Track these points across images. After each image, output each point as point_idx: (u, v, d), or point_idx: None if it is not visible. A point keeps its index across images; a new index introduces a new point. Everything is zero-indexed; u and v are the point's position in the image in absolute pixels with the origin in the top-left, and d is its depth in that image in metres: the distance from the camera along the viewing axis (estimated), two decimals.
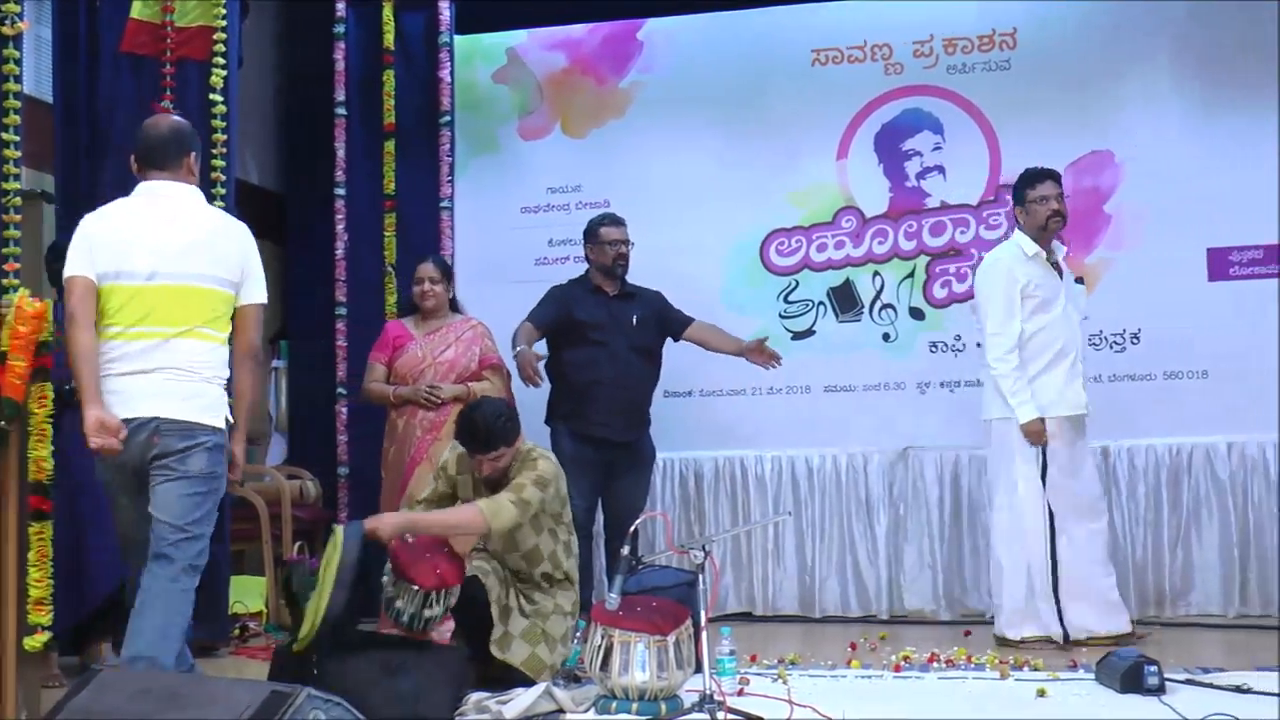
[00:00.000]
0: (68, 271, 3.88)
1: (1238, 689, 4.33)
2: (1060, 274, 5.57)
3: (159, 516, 3.88)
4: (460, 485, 4.80)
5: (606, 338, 5.97)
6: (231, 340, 4.08)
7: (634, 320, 6.03)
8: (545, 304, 6.08)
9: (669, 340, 6.23)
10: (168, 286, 3.89)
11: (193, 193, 4.08)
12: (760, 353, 6.08)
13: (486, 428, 4.57)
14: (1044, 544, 5.42)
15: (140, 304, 3.88)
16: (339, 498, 6.83)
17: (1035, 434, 5.48)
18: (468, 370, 5.88)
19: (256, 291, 4.09)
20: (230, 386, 4.07)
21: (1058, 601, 5.39)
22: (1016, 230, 5.64)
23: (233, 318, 4.08)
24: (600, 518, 6.20)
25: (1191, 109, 6.55)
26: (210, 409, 3.95)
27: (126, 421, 3.81)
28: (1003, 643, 5.46)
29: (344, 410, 6.87)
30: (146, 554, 3.90)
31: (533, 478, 4.64)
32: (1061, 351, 5.47)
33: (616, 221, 6.15)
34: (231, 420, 4.06)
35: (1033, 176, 5.61)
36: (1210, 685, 4.43)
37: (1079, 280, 5.66)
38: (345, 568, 4.18)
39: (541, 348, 6.00)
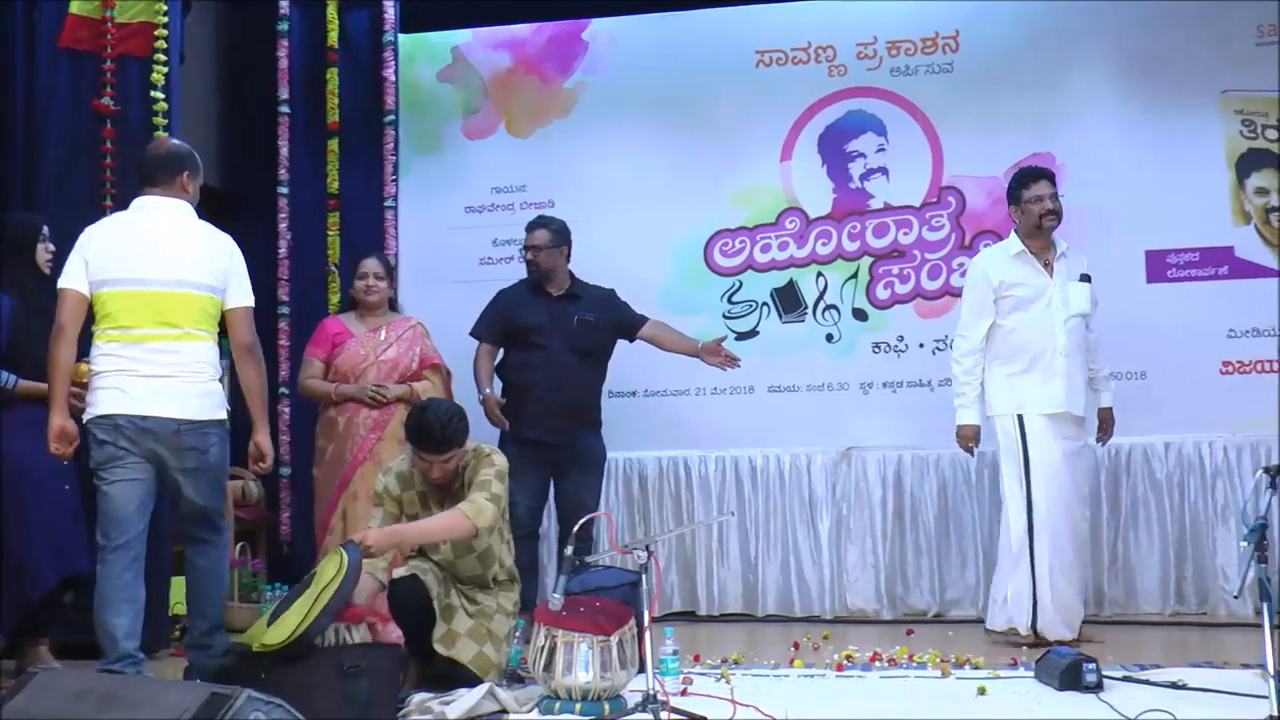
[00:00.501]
0: (61, 283, 4.32)
1: (1173, 685, 4.41)
2: (1051, 273, 5.53)
3: (198, 502, 4.46)
4: (406, 503, 4.72)
5: (546, 340, 5.95)
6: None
7: (574, 321, 5.99)
8: (489, 316, 6.10)
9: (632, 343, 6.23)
10: (159, 292, 4.31)
11: (181, 207, 4.47)
12: (715, 354, 6.06)
13: (441, 428, 4.52)
14: (1024, 541, 5.42)
15: (138, 307, 4.29)
16: (281, 498, 6.78)
17: (964, 439, 5.62)
18: (409, 370, 5.85)
19: (242, 295, 4.50)
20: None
21: (1034, 600, 5.37)
22: (1013, 230, 5.68)
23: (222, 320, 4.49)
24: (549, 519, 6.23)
25: (1131, 112, 6.62)
26: (218, 405, 4.47)
27: (150, 419, 4.26)
28: (988, 633, 5.55)
29: (287, 410, 6.81)
30: (131, 545, 4.34)
31: (494, 472, 4.64)
32: (1041, 351, 5.46)
33: (531, 227, 6.11)
34: (228, 411, 4.55)
35: (1027, 176, 5.64)
36: (1147, 682, 4.51)
37: (1085, 278, 5.56)
38: (340, 597, 4.15)
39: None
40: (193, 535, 4.60)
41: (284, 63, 6.94)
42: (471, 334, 6.07)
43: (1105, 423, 5.80)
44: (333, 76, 6.96)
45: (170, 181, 4.48)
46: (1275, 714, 3.49)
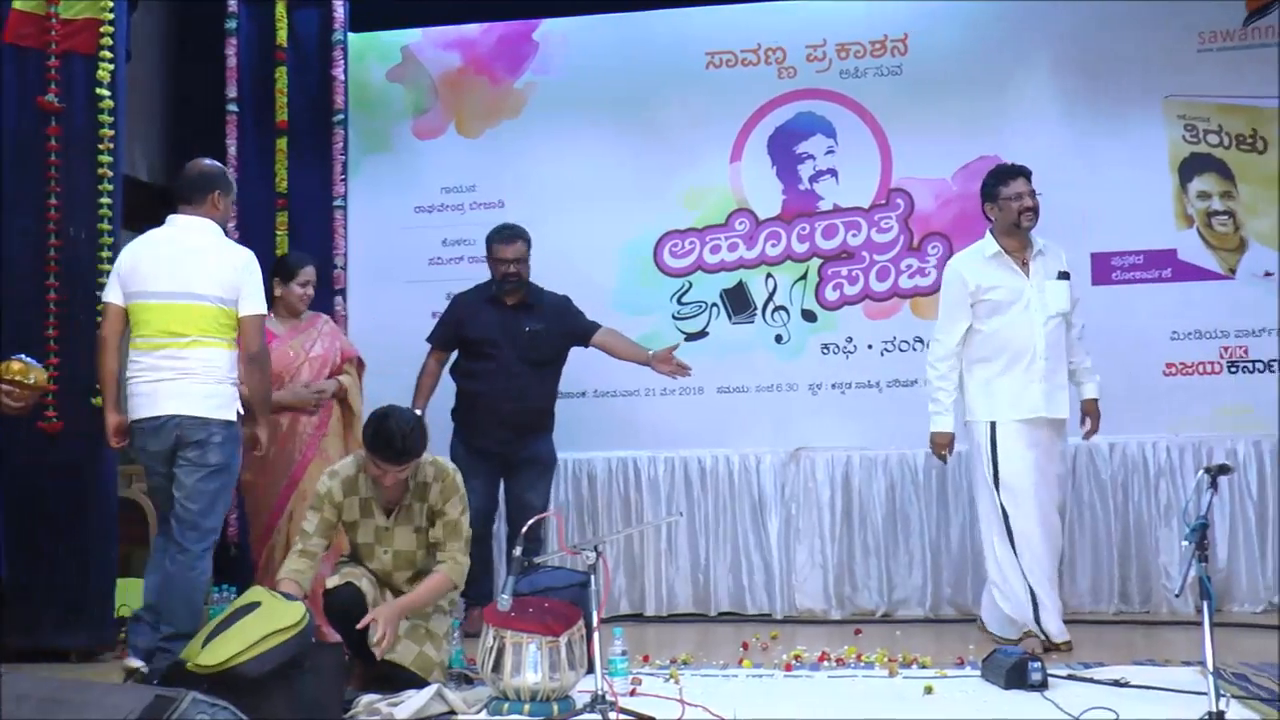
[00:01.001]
0: (103, 299, 4.83)
1: (1116, 683, 4.46)
2: (1028, 273, 5.43)
3: (179, 498, 4.65)
4: (346, 509, 4.68)
5: (496, 351, 5.97)
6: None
7: (526, 331, 6.00)
8: (442, 323, 6.17)
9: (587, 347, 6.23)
10: (171, 304, 4.64)
11: (206, 225, 4.79)
12: (667, 362, 6.06)
13: (402, 438, 4.46)
14: (995, 546, 5.40)
15: (160, 317, 4.65)
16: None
17: (938, 447, 5.57)
18: (335, 364, 5.82)
19: (250, 305, 4.73)
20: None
21: (1034, 602, 5.33)
22: (988, 230, 5.57)
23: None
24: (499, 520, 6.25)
25: (1077, 117, 6.69)
26: (223, 405, 4.68)
27: (154, 419, 4.62)
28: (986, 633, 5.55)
29: None
30: (169, 525, 4.75)
31: (462, 508, 4.71)
32: (1018, 353, 5.36)
33: (509, 239, 6.06)
34: (242, 413, 4.79)
35: (1004, 173, 5.52)
36: (1091, 680, 4.55)
37: (1063, 275, 5.45)
38: (285, 652, 4.05)
39: None
40: (172, 535, 4.72)
41: (232, 61, 6.88)
42: (431, 339, 6.12)
43: (1089, 415, 5.63)
44: (281, 75, 6.90)
45: (201, 200, 4.82)
46: (1213, 710, 3.52)
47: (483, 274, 6.27)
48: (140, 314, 4.68)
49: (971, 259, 5.54)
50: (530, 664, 4.18)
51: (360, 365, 5.99)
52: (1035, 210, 5.43)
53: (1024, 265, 5.44)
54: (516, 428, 5.98)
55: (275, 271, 5.84)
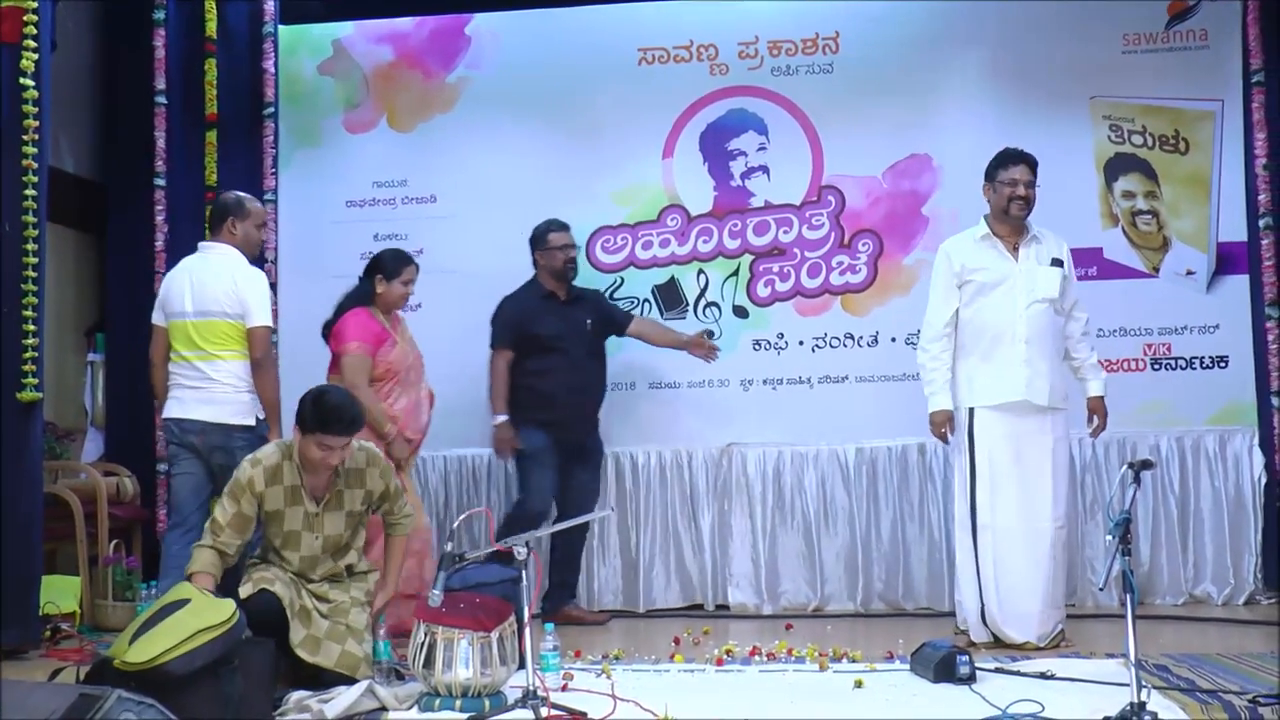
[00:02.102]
0: (151, 321, 5.52)
1: (1043, 676, 4.51)
2: (1017, 258, 5.38)
3: (216, 496, 5.10)
4: (268, 499, 4.61)
5: (565, 346, 6.13)
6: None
7: (587, 325, 6.19)
8: (505, 325, 6.18)
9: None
10: (192, 321, 5.30)
11: (223, 250, 5.41)
12: (700, 346, 6.30)
13: (349, 407, 4.54)
14: (958, 538, 5.43)
15: (185, 333, 5.32)
16: (158, 495, 6.66)
17: (935, 425, 5.46)
18: None
19: (253, 317, 5.28)
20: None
21: (981, 599, 5.33)
22: (983, 215, 5.53)
23: None
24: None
25: (1007, 115, 6.73)
26: (241, 413, 5.27)
27: (184, 420, 5.31)
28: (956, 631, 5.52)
29: None
30: (187, 521, 5.34)
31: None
32: (998, 336, 5.31)
33: (563, 227, 6.27)
34: (261, 417, 5.35)
35: (1006, 157, 5.48)
36: (1018, 673, 4.60)
37: (1057, 263, 5.38)
38: (215, 649, 3.99)
39: None
40: (191, 531, 5.20)
41: (160, 53, 6.83)
42: (494, 343, 6.14)
43: (1095, 413, 5.51)
44: (211, 67, 6.87)
45: (219, 229, 5.47)
46: (1134, 701, 3.57)
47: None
48: (174, 332, 5.37)
49: (961, 241, 5.51)
50: (462, 660, 4.16)
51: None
52: (1027, 201, 5.39)
53: (1014, 250, 5.41)
54: (589, 418, 6.25)
55: (375, 270, 5.84)
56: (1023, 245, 5.41)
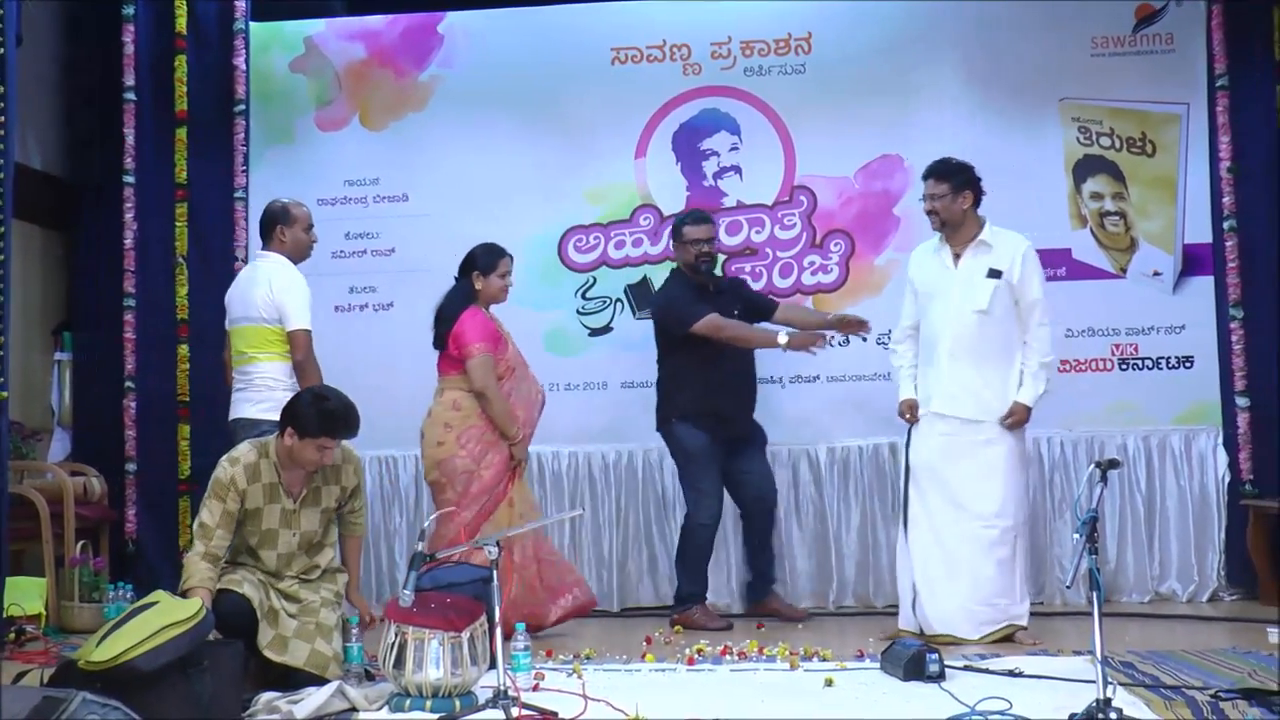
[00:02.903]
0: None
1: (1010, 673, 4.54)
2: (958, 267, 5.44)
3: None
4: (249, 497, 4.58)
5: None
6: None
7: (735, 314, 6.10)
8: (693, 300, 6.06)
9: None
10: (239, 327, 5.57)
11: (273, 257, 5.59)
12: (850, 325, 6.06)
13: (355, 411, 4.58)
14: (901, 533, 5.54)
15: (235, 338, 5.61)
16: (126, 495, 6.63)
17: (900, 413, 5.61)
18: None
19: (290, 321, 5.43)
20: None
21: (914, 593, 5.44)
22: None
23: None
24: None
25: (978, 116, 6.79)
26: (272, 409, 5.13)
27: (233, 420, 5.56)
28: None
29: (133, 405, 6.68)
30: None
31: (361, 482, 4.87)
32: (933, 346, 5.44)
33: (698, 220, 6.19)
34: None
35: (923, 175, 5.64)
36: (986, 671, 4.62)
37: (994, 274, 5.37)
38: (183, 644, 3.96)
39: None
40: None
41: (130, 49, 6.80)
42: (695, 317, 5.95)
43: (1009, 415, 5.39)
44: (181, 64, 6.84)
45: (269, 237, 5.64)
46: (1101, 698, 3.59)
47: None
48: (230, 337, 5.67)
49: (921, 249, 5.69)
50: (432, 660, 4.15)
51: None
52: (936, 213, 5.48)
53: (956, 259, 5.47)
54: (750, 409, 6.24)
55: (470, 267, 5.85)
56: (965, 255, 5.46)
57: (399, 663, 4.18)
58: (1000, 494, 5.36)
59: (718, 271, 6.40)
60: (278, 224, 5.62)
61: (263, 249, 5.67)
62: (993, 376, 5.39)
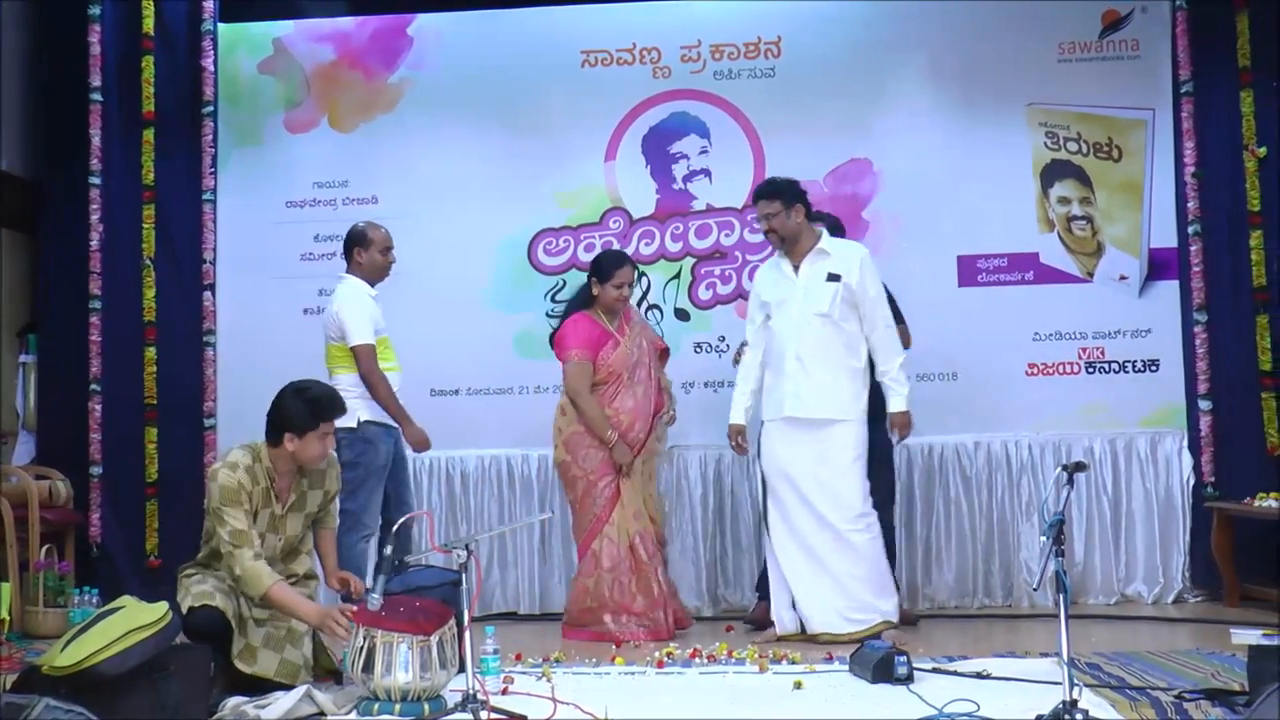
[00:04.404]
0: None
1: (979, 675, 4.56)
2: (799, 275, 5.54)
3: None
4: (254, 499, 4.53)
5: None
6: None
7: None
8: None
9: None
10: (326, 345, 5.73)
11: (348, 279, 5.77)
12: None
13: (335, 390, 4.66)
14: (766, 538, 5.63)
15: (326, 356, 5.76)
16: (91, 498, 6.57)
17: (730, 437, 5.77)
18: (652, 357, 5.99)
19: (350, 338, 5.61)
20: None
21: (788, 594, 5.54)
22: None
23: None
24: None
25: (945, 122, 6.83)
26: (346, 419, 5.06)
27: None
28: None
29: (98, 408, 6.63)
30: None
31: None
32: (779, 353, 5.54)
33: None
34: (365, 418, 5.60)
35: (754, 196, 5.82)
36: (954, 673, 4.64)
37: (833, 278, 5.47)
38: (148, 649, 3.93)
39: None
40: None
41: (96, 49, 6.75)
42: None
43: (894, 427, 5.60)
44: (148, 65, 6.81)
45: (349, 259, 5.80)
46: (1067, 700, 3.61)
47: None
48: None
49: (764, 268, 5.83)
50: (401, 663, 4.13)
51: (664, 355, 6.10)
52: (771, 231, 5.59)
53: (796, 269, 5.58)
54: None
55: (591, 271, 5.91)
56: (804, 264, 5.58)
57: (368, 666, 4.16)
58: (852, 491, 5.48)
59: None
60: (355, 246, 5.78)
61: (345, 271, 5.80)
62: (838, 377, 5.51)
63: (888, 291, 5.67)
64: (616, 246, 6.79)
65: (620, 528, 5.76)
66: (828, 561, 5.45)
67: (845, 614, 5.43)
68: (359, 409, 5.56)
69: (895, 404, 5.54)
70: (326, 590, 4.90)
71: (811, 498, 5.46)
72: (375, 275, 5.79)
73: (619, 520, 5.77)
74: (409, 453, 5.87)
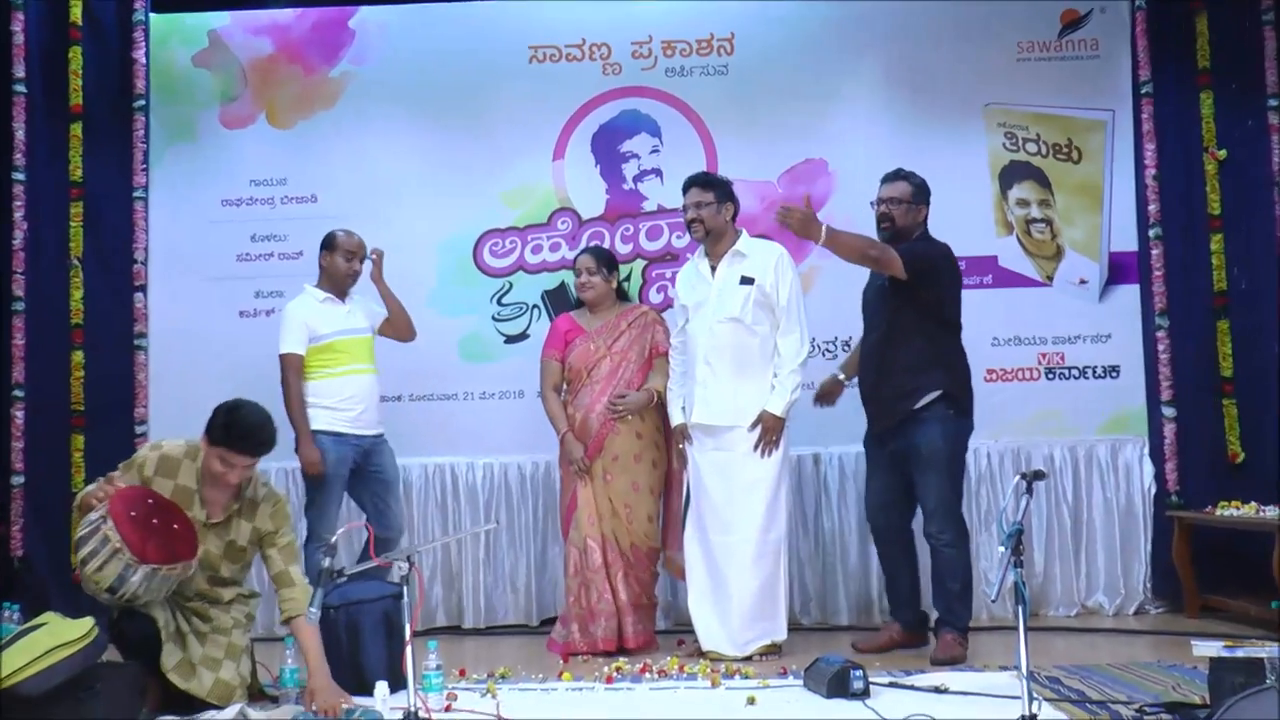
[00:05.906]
0: None
1: (936, 689, 4.51)
2: (715, 277, 5.48)
3: None
4: (156, 487, 4.38)
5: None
6: None
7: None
8: None
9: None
10: None
11: (305, 287, 5.78)
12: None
13: (262, 428, 4.35)
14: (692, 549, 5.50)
15: None
16: (11, 509, 6.36)
17: (675, 438, 5.66)
18: (642, 358, 5.82)
19: (278, 347, 5.58)
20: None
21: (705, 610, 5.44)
22: None
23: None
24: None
25: (900, 122, 6.73)
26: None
27: None
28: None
29: (20, 414, 6.42)
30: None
31: (293, 534, 4.60)
32: (694, 357, 5.46)
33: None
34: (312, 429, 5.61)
35: (683, 186, 5.67)
36: (911, 687, 4.59)
37: (746, 280, 5.39)
38: (72, 666, 3.81)
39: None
40: None
41: (19, 38, 6.56)
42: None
43: (757, 423, 5.36)
44: (75, 56, 6.63)
45: (319, 263, 5.85)
46: (1026, 713, 3.55)
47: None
48: None
49: (686, 267, 5.79)
50: (107, 562, 4.06)
51: (665, 356, 5.87)
52: (697, 221, 5.50)
53: (713, 270, 5.51)
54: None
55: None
56: (721, 265, 5.51)
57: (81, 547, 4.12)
58: (763, 508, 5.35)
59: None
60: (323, 249, 5.79)
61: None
62: (750, 384, 5.40)
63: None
64: (565, 248, 6.65)
65: (579, 531, 5.65)
66: (729, 580, 5.34)
67: (736, 637, 5.32)
68: (313, 418, 5.56)
69: (772, 404, 5.35)
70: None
71: (722, 511, 5.37)
72: (338, 281, 5.73)
73: (577, 523, 5.66)
74: (399, 463, 5.90)
